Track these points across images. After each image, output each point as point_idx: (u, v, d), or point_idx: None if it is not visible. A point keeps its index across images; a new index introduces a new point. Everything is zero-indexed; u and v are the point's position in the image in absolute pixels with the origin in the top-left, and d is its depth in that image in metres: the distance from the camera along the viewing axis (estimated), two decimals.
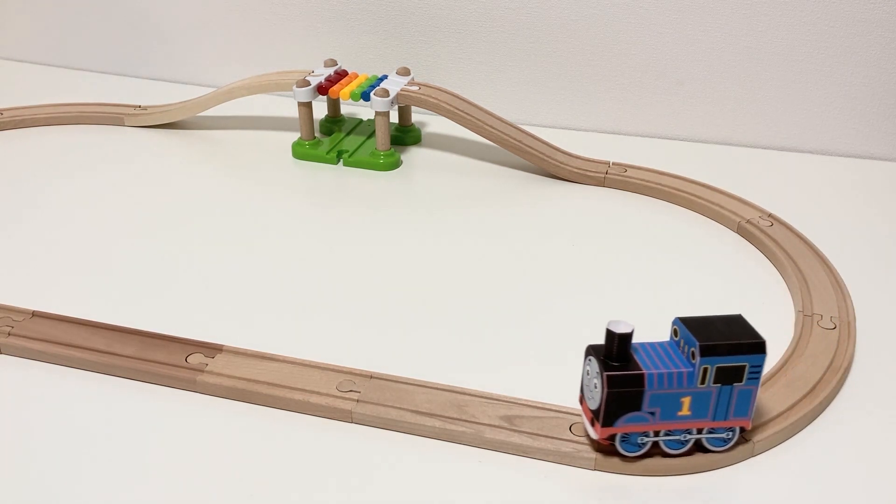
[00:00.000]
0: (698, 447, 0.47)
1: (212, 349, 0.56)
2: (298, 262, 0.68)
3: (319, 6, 0.95)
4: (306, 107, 0.83)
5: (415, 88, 0.82)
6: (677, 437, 0.47)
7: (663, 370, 0.45)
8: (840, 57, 0.82)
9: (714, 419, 0.46)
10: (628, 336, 0.45)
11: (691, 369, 0.45)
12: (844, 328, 0.58)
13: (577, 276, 0.66)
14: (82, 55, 1.09)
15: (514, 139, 0.81)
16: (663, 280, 0.65)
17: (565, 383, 0.54)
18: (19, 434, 0.50)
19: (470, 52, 0.93)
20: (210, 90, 0.90)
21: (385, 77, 0.85)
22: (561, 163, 0.80)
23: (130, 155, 0.86)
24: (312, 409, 0.52)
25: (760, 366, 0.45)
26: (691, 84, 0.88)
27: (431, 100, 0.81)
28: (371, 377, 0.53)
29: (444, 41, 0.93)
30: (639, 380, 0.45)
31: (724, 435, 0.47)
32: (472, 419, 0.50)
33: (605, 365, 0.45)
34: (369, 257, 0.68)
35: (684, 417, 0.46)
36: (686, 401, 0.46)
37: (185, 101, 0.91)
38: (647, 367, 0.45)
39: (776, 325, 0.60)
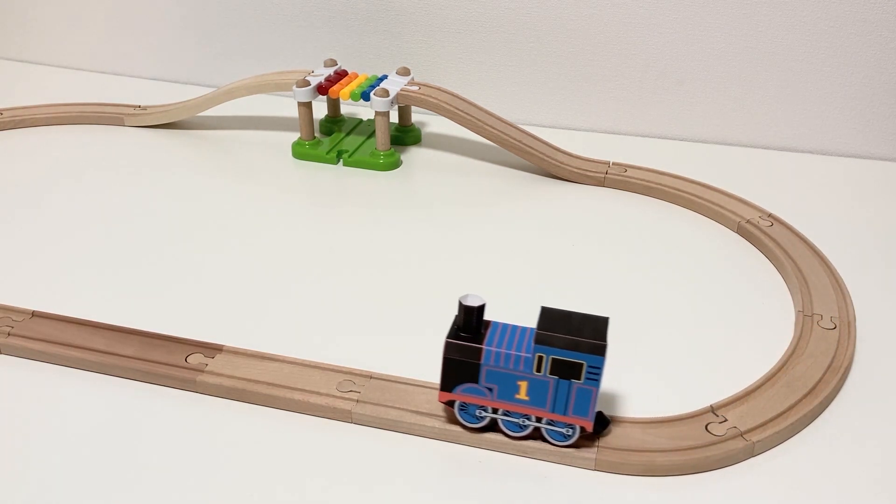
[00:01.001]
0: (540, 437, 0.48)
1: (212, 349, 0.56)
2: (298, 261, 0.68)
3: (319, 6, 0.95)
4: (306, 107, 0.83)
5: (415, 88, 0.82)
6: (516, 420, 0.48)
7: (503, 350, 0.46)
8: (840, 57, 0.82)
9: (553, 411, 0.47)
10: (476, 309, 0.46)
11: (529, 355, 0.46)
12: (844, 328, 0.58)
13: (577, 276, 0.66)
14: (82, 55, 1.09)
15: (514, 139, 0.81)
16: (663, 280, 0.65)
17: None
18: (19, 434, 0.50)
19: (470, 52, 0.93)
20: (210, 90, 0.90)
21: (385, 77, 0.85)
22: (561, 163, 0.80)
23: (130, 155, 0.86)
24: (312, 409, 0.52)
25: (599, 368, 0.45)
26: (691, 84, 0.88)
27: (431, 100, 0.81)
28: (371, 377, 0.53)
29: (444, 41, 0.93)
30: (476, 353, 0.46)
31: (564, 430, 0.48)
32: None
33: (451, 332, 0.47)
34: (369, 257, 0.68)
35: (522, 402, 0.47)
36: (523, 385, 0.47)
37: (185, 101, 0.90)
38: (491, 343, 0.46)
39: (776, 325, 0.60)
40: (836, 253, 0.67)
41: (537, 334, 0.45)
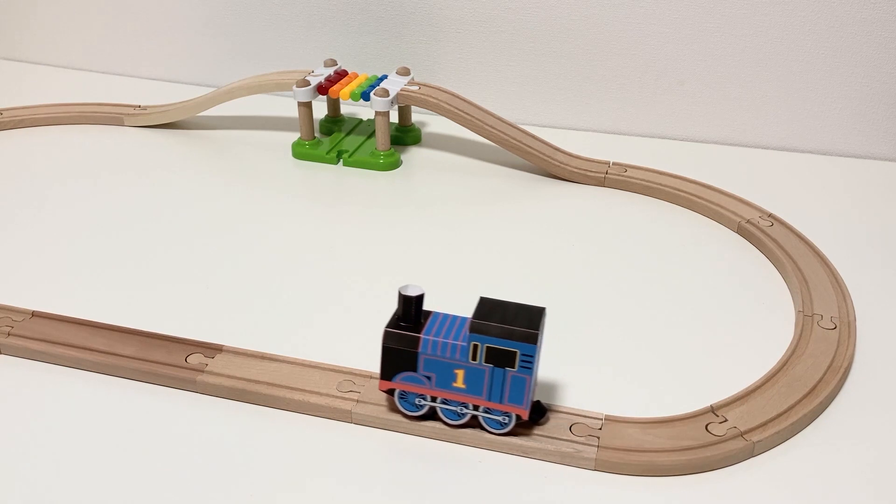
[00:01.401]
0: (477, 424, 0.49)
1: (212, 349, 0.56)
2: (298, 261, 0.68)
3: (319, 6, 0.95)
4: (306, 107, 0.83)
5: (415, 88, 0.82)
6: (454, 409, 0.49)
7: (440, 339, 0.47)
8: (840, 57, 0.82)
9: (489, 399, 0.48)
10: (413, 299, 0.47)
11: (465, 344, 0.46)
12: (844, 328, 0.58)
13: (577, 276, 0.66)
14: (82, 55, 1.09)
15: (514, 139, 0.81)
16: (663, 280, 0.65)
17: (565, 383, 0.54)
18: (19, 434, 0.50)
19: (470, 52, 0.93)
20: (210, 90, 0.90)
21: (385, 77, 0.85)
22: (561, 163, 0.80)
23: (130, 155, 0.86)
24: (312, 410, 0.52)
25: (532, 356, 0.46)
26: (691, 84, 0.88)
27: (431, 100, 0.81)
28: (371, 377, 0.53)
29: (444, 41, 0.93)
30: (414, 342, 0.47)
31: (500, 418, 0.48)
32: None
33: (390, 322, 0.48)
34: (369, 257, 0.68)
35: (459, 390, 0.48)
36: (460, 374, 0.47)
37: (185, 101, 0.91)
38: (429, 333, 0.47)
39: (776, 325, 0.60)
40: (836, 253, 0.67)
41: (472, 323, 0.46)
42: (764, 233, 0.70)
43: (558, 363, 0.56)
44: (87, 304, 0.62)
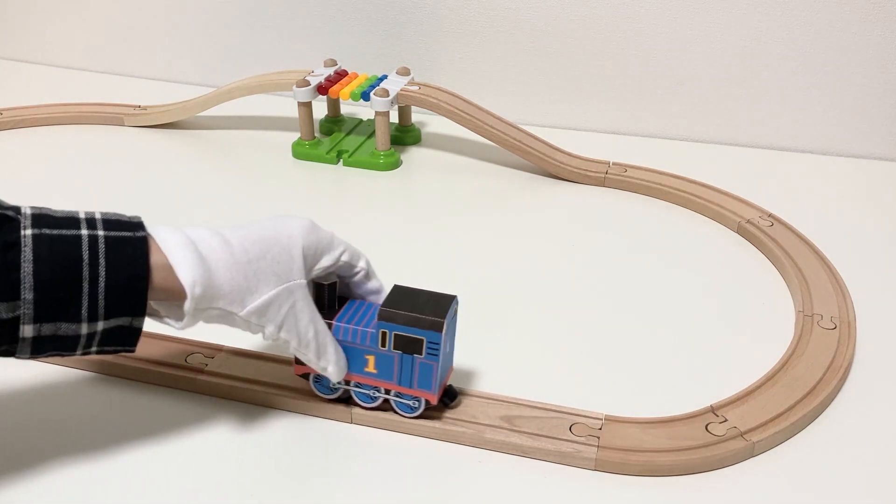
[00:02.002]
0: (390, 408, 0.50)
1: (212, 349, 0.56)
2: None
3: (319, 6, 0.95)
4: (306, 107, 0.83)
5: (415, 88, 0.82)
6: (367, 392, 0.50)
7: (352, 325, 0.48)
8: (840, 57, 0.82)
9: (400, 384, 0.49)
10: (326, 286, 0.48)
11: (374, 330, 0.47)
12: (844, 328, 0.58)
13: (577, 276, 0.66)
14: (82, 55, 1.09)
15: (514, 139, 0.81)
16: (663, 280, 0.65)
17: (566, 383, 0.54)
18: (19, 435, 0.50)
19: (470, 52, 0.93)
20: (210, 90, 0.90)
21: (385, 77, 0.85)
22: (561, 163, 0.80)
23: (130, 155, 0.86)
24: (312, 410, 0.52)
25: (437, 343, 0.46)
26: (691, 84, 0.88)
27: (431, 100, 0.81)
28: None
29: (444, 41, 0.93)
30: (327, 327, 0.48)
31: (410, 402, 0.49)
32: (472, 419, 0.50)
33: None
34: (369, 257, 0.68)
35: (371, 375, 0.49)
36: (371, 359, 0.48)
37: (185, 101, 0.91)
38: (342, 319, 0.48)
39: (776, 325, 0.60)
40: (836, 253, 0.67)
41: (380, 311, 0.47)
42: (764, 233, 0.69)
43: (558, 363, 0.56)
44: None
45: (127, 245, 0.41)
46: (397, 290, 0.49)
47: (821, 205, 0.76)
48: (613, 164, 0.81)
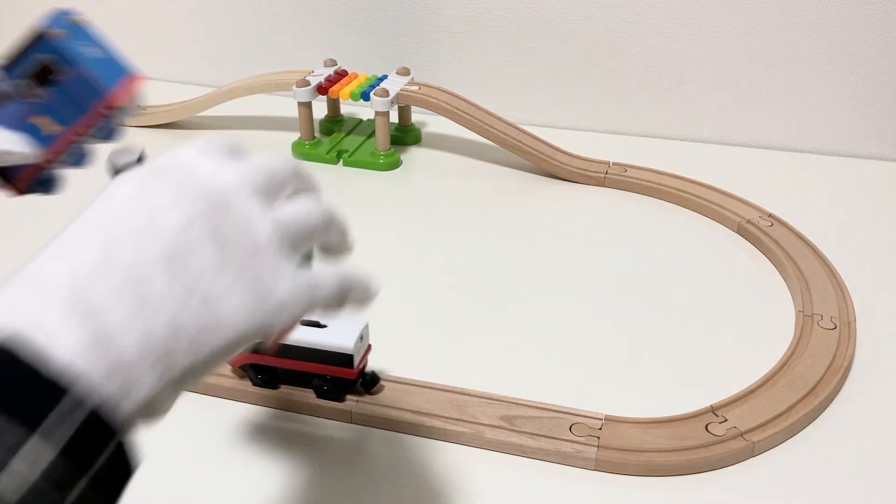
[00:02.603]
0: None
1: None
2: None
3: (319, 6, 0.95)
4: (306, 107, 0.83)
5: (415, 88, 0.82)
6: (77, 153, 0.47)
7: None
8: (840, 57, 0.82)
9: (79, 115, 0.45)
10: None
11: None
12: (844, 328, 0.58)
13: (577, 276, 0.66)
14: None
15: (514, 139, 0.81)
16: (663, 280, 0.65)
17: (565, 383, 0.54)
18: None
19: (470, 52, 0.92)
20: (210, 90, 0.90)
21: (385, 77, 0.85)
22: (561, 163, 0.80)
23: None
24: (312, 410, 0.52)
25: (65, 49, 0.42)
26: (691, 84, 0.88)
27: (431, 100, 0.81)
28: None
29: (444, 41, 0.93)
30: None
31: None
32: (472, 419, 0.50)
33: None
34: (368, 257, 0.68)
35: (55, 134, 0.45)
36: (40, 119, 0.44)
37: (185, 101, 0.90)
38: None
39: (776, 325, 0.60)
40: (836, 253, 0.67)
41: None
42: (764, 233, 0.69)
43: (558, 363, 0.56)
44: None
45: None
46: None
47: (821, 205, 0.76)
48: (613, 164, 0.81)
